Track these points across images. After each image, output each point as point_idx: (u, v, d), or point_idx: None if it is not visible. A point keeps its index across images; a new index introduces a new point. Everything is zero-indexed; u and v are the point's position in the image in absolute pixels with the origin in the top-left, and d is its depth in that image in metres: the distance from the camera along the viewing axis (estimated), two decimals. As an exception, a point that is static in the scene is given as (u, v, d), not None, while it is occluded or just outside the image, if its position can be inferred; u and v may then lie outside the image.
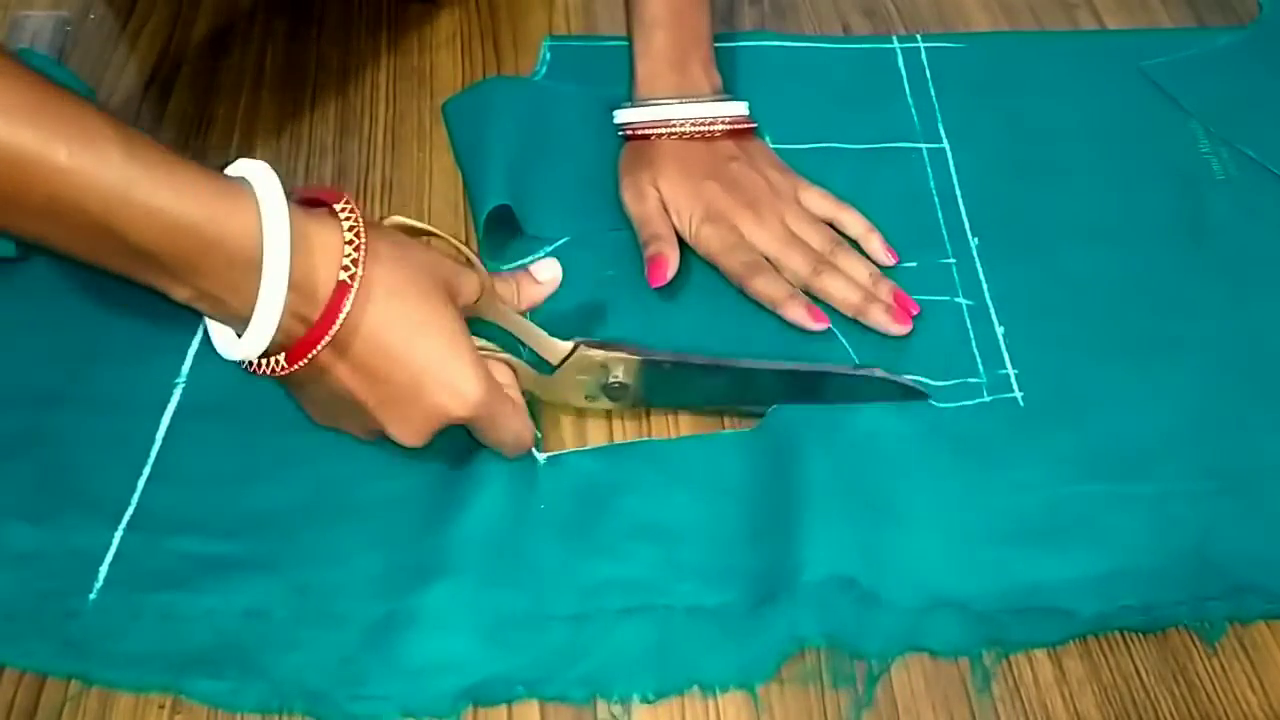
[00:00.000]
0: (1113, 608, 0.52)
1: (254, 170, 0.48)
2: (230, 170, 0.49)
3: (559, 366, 0.58)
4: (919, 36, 0.80)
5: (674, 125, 0.67)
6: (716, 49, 0.71)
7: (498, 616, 0.52)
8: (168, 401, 0.60)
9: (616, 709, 0.50)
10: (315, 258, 0.48)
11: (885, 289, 0.64)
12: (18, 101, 0.43)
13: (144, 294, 0.63)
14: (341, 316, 0.49)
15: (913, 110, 0.76)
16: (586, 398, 0.59)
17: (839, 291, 0.63)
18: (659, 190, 0.66)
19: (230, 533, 0.55)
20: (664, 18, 0.68)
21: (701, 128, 0.67)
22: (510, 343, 0.57)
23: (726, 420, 0.60)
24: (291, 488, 0.56)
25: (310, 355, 0.49)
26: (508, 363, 0.56)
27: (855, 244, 0.67)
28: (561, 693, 0.50)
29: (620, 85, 0.70)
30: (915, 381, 0.60)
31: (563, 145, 0.72)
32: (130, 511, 0.55)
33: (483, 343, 0.55)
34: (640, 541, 0.55)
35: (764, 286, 0.63)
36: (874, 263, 0.66)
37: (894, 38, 0.80)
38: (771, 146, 0.71)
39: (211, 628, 0.51)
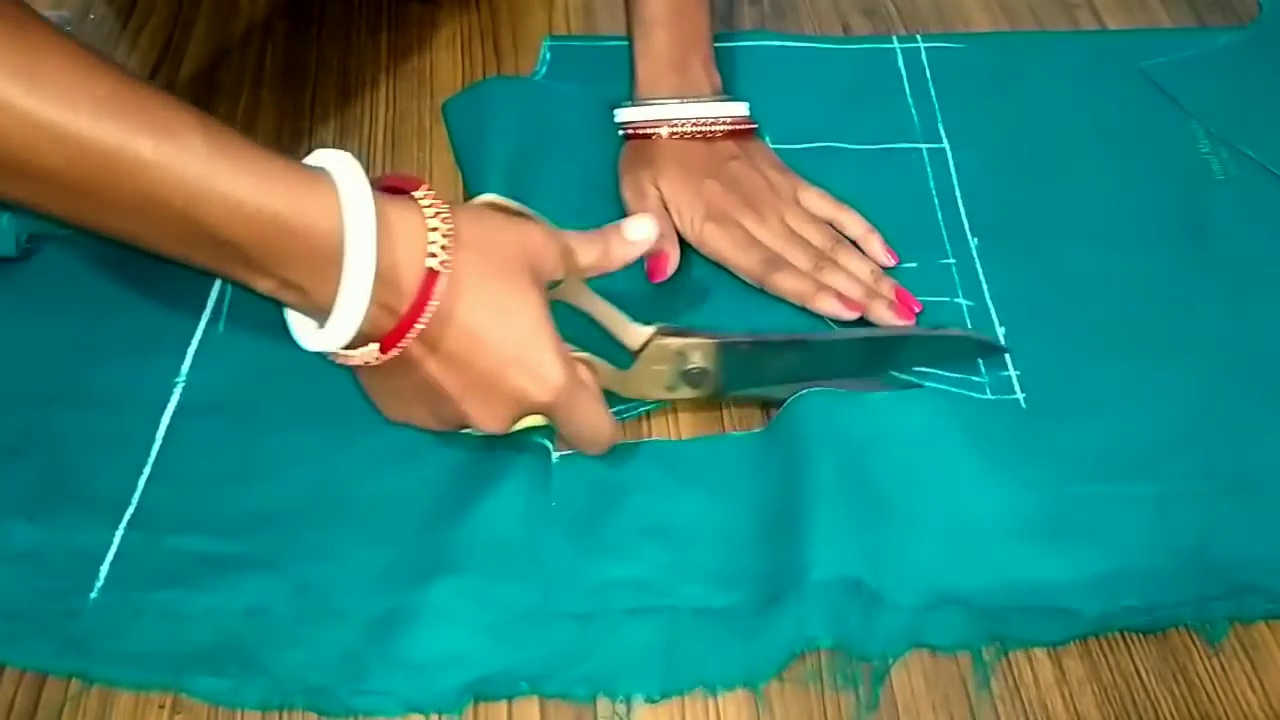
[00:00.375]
0: (1115, 608, 0.52)
1: (335, 159, 0.48)
2: (311, 159, 0.49)
3: (637, 356, 0.57)
4: (919, 36, 0.80)
5: (675, 125, 0.67)
6: (716, 49, 0.71)
7: (504, 611, 0.52)
8: (168, 400, 0.60)
9: (620, 707, 0.50)
10: (399, 245, 0.48)
11: (887, 286, 0.64)
12: (99, 94, 0.42)
13: (144, 294, 0.64)
14: (432, 306, 0.49)
15: (913, 110, 0.76)
16: (666, 388, 0.58)
17: (841, 287, 0.63)
18: (659, 189, 0.66)
19: (231, 531, 0.54)
20: (665, 17, 0.68)
21: (702, 128, 0.67)
22: (587, 336, 0.56)
23: (728, 420, 0.60)
24: (292, 486, 0.56)
25: (402, 345, 0.49)
26: (586, 361, 0.56)
27: (855, 245, 0.67)
28: (564, 690, 0.50)
29: (620, 85, 0.70)
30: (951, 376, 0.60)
31: (563, 145, 0.72)
32: (131, 510, 0.55)
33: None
34: (649, 542, 0.54)
35: (787, 282, 0.63)
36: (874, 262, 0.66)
37: (894, 38, 0.80)
38: (771, 146, 0.71)
39: (213, 626, 0.51)
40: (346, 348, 0.50)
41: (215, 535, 0.54)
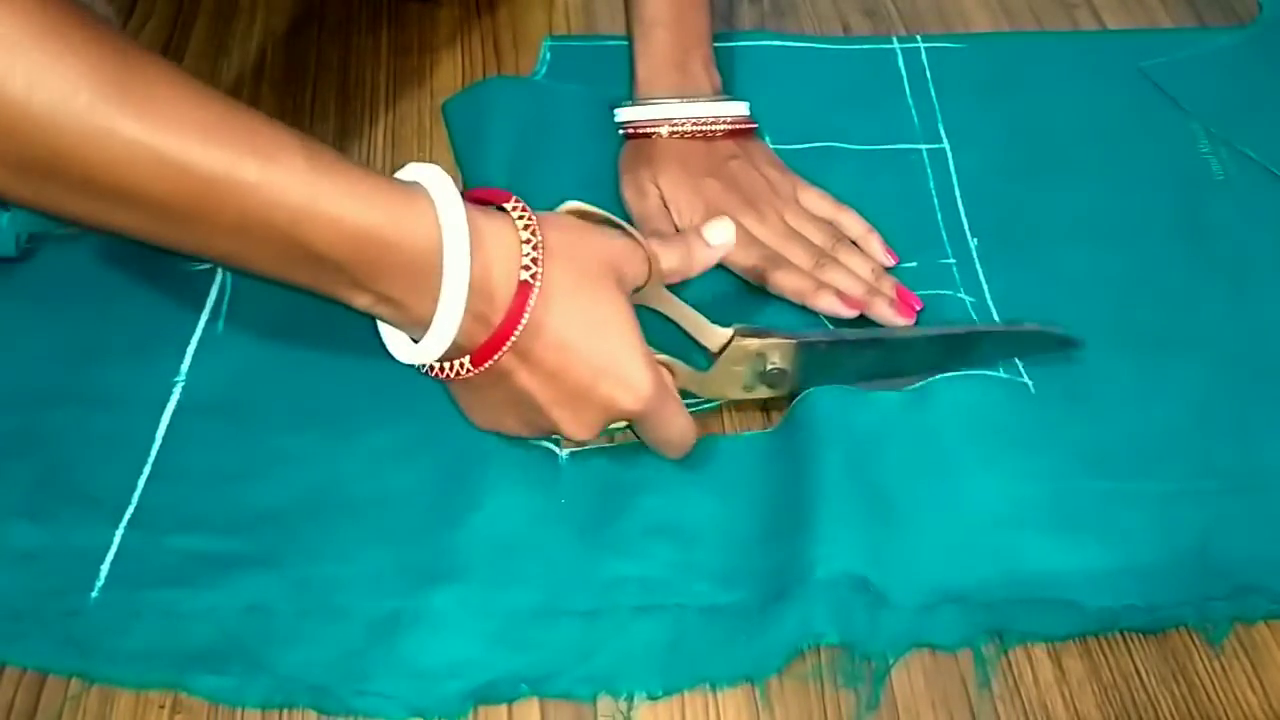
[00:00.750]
0: (1117, 605, 0.52)
1: (428, 174, 0.48)
2: (403, 174, 0.49)
3: (716, 358, 0.58)
4: (919, 37, 0.80)
5: (675, 124, 0.67)
6: (716, 49, 0.71)
7: (509, 615, 0.52)
8: (168, 400, 0.60)
9: (621, 705, 0.50)
10: (492, 258, 0.49)
11: (888, 284, 0.64)
12: (208, 119, 0.43)
13: (144, 293, 0.64)
14: (525, 318, 0.49)
15: (913, 111, 0.76)
16: (744, 388, 0.59)
17: (842, 284, 0.63)
18: (659, 188, 0.66)
19: (231, 529, 0.54)
20: (665, 17, 0.68)
21: (703, 127, 0.67)
22: (664, 337, 0.57)
23: (728, 422, 0.60)
24: (293, 484, 0.56)
25: (496, 357, 0.50)
26: (666, 364, 0.56)
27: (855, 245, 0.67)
28: (567, 690, 0.50)
29: (620, 85, 0.70)
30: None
31: (563, 145, 0.72)
32: (131, 509, 0.55)
33: None
34: (657, 540, 0.55)
35: (786, 280, 0.64)
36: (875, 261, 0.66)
37: (894, 38, 0.80)
38: (771, 146, 0.71)
39: (214, 624, 0.51)
40: (439, 360, 0.50)
41: (216, 534, 0.54)
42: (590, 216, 0.54)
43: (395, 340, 0.51)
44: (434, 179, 0.48)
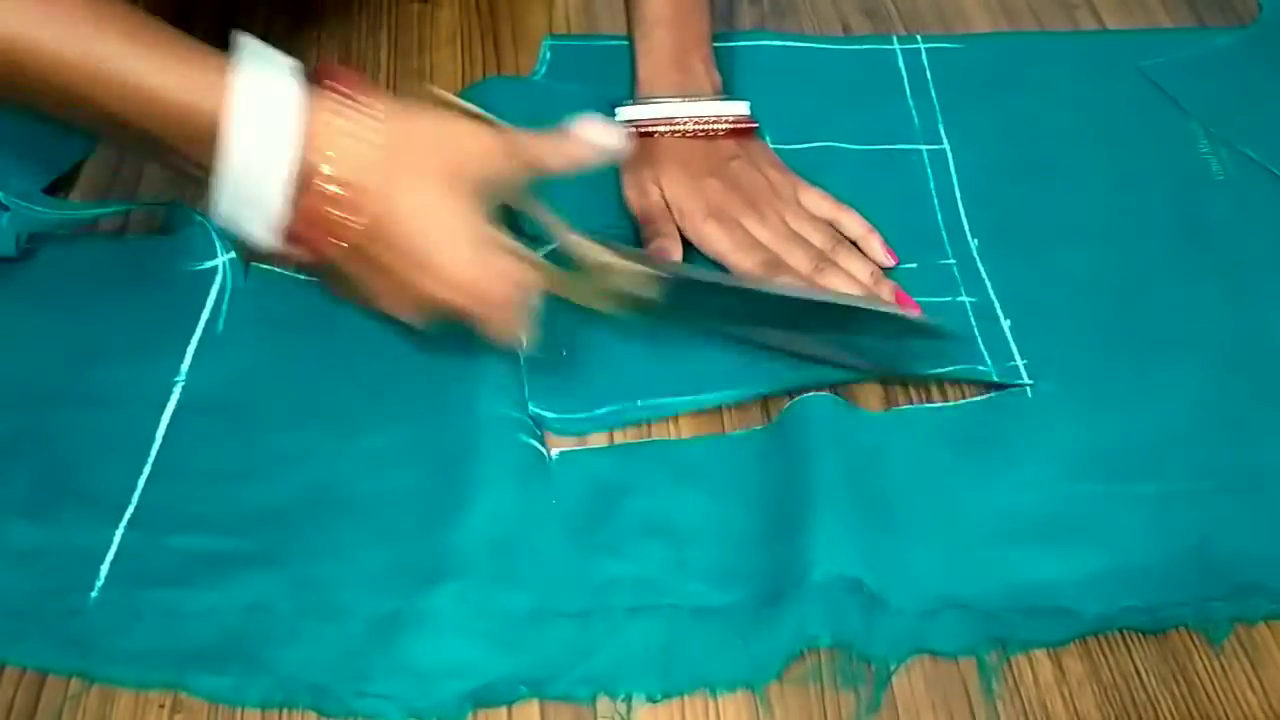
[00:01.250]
0: (1116, 608, 0.52)
1: (254, 46, 0.50)
2: (241, 52, 0.50)
3: (583, 269, 0.57)
4: (919, 37, 0.80)
5: (676, 123, 0.67)
6: (716, 49, 0.71)
7: (506, 617, 0.52)
8: (167, 400, 0.60)
9: (620, 707, 0.50)
10: (317, 147, 0.49)
11: (887, 288, 0.64)
12: None
13: (144, 294, 0.64)
14: (345, 201, 0.50)
15: (913, 111, 0.76)
16: (611, 305, 0.58)
17: (841, 288, 0.63)
18: (660, 187, 0.66)
19: (231, 529, 0.55)
20: (665, 17, 0.68)
21: (704, 126, 0.67)
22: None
23: (728, 421, 0.60)
24: (292, 484, 0.56)
25: (320, 248, 0.51)
26: (531, 261, 0.56)
27: (855, 246, 0.67)
28: (566, 692, 0.50)
29: (620, 85, 0.70)
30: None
31: (563, 145, 0.72)
32: (131, 509, 0.55)
33: (510, 241, 0.54)
34: (650, 541, 0.55)
35: (785, 283, 0.63)
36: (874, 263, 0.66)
37: (894, 38, 0.80)
38: (771, 146, 0.71)
39: (214, 623, 0.51)
40: (283, 247, 0.51)
41: (215, 533, 0.54)
42: (453, 107, 0.54)
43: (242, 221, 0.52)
44: (256, 51, 0.50)
